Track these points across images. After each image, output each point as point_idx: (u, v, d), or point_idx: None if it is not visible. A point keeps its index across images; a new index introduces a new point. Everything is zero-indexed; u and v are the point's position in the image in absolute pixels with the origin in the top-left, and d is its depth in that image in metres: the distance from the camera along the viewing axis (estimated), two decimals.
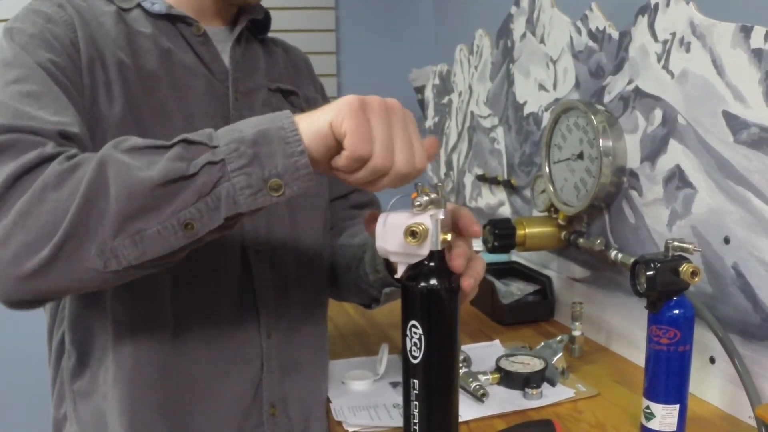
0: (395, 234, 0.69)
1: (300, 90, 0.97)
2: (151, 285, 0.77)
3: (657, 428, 0.78)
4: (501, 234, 1.18)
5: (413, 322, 0.70)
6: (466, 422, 0.85)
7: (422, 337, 0.70)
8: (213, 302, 0.81)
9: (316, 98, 1.00)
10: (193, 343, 0.80)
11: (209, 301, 0.81)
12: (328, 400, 0.91)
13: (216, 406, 0.81)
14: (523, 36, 1.37)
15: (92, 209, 0.59)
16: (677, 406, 0.77)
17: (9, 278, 0.60)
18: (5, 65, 0.72)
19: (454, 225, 0.73)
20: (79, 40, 0.76)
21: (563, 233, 1.17)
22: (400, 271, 0.72)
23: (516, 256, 1.42)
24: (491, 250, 1.19)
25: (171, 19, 0.84)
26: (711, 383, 0.89)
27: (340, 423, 0.86)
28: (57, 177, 0.60)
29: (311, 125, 0.61)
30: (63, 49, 0.75)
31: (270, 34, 0.99)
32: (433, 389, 0.71)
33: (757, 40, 0.80)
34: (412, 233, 0.67)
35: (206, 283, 0.81)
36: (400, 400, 0.76)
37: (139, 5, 0.83)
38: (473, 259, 0.71)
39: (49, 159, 0.62)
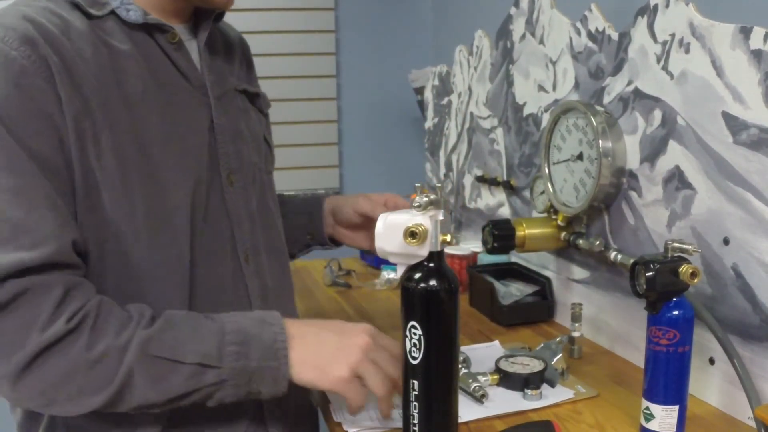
0: (395, 235, 0.69)
1: (257, 88, 0.98)
2: None
3: (656, 429, 0.78)
4: (500, 235, 1.18)
5: (413, 323, 0.70)
6: (466, 423, 0.85)
7: (422, 338, 0.70)
8: None
9: (264, 94, 1.01)
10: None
11: None
12: (327, 401, 0.91)
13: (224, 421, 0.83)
14: (523, 37, 1.37)
15: (122, 399, 0.70)
16: (677, 407, 0.77)
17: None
18: None
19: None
20: (58, 87, 0.70)
21: (563, 234, 1.17)
22: (400, 272, 0.72)
23: (515, 257, 1.42)
24: (491, 251, 1.19)
25: (147, 28, 0.79)
26: (710, 384, 0.89)
27: (339, 424, 0.85)
28: (86, 365, 0.68)
29: (312, 380, 0.75)
30: (41, 112, 0.69)
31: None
32: (432, 390, 0.71)
33: (756, 41, 0.80)
34: (411, 234, 0.68)
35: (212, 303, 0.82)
36: (399, 400, 0.76)
37: (113, 12, 0.77)
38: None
39: (61, 334, 0.67)
